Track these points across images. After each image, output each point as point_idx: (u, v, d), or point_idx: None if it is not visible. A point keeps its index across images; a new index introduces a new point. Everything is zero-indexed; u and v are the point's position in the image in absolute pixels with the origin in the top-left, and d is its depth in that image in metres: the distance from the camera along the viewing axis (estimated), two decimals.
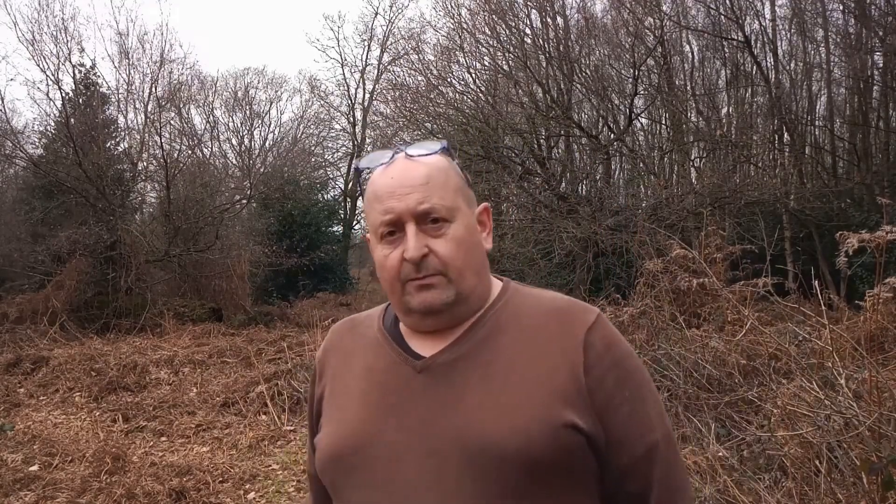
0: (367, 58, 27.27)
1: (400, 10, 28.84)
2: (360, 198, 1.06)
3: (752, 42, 11.60)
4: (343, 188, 26.38)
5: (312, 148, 26.10)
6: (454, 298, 0.96)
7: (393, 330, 1.05)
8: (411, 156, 1.00)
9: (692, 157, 12.76)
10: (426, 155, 1.00)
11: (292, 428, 5.90)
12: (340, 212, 24.24)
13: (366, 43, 27.22)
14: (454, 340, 0.98)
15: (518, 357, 0.95)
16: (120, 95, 14.61)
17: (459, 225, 0.98)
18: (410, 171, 0.98)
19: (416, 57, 14.60)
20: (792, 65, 13.10)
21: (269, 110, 26.37)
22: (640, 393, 0.96)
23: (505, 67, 13.06)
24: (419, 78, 14.09)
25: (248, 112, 25.36)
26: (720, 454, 3.18)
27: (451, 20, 13.82)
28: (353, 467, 0.96)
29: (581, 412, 0.91)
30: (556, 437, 0.88)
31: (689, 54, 13.75)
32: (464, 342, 0.98)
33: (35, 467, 4.71)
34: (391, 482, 0.92)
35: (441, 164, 1.01)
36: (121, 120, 15.12)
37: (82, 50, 18.72)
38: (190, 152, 16.33)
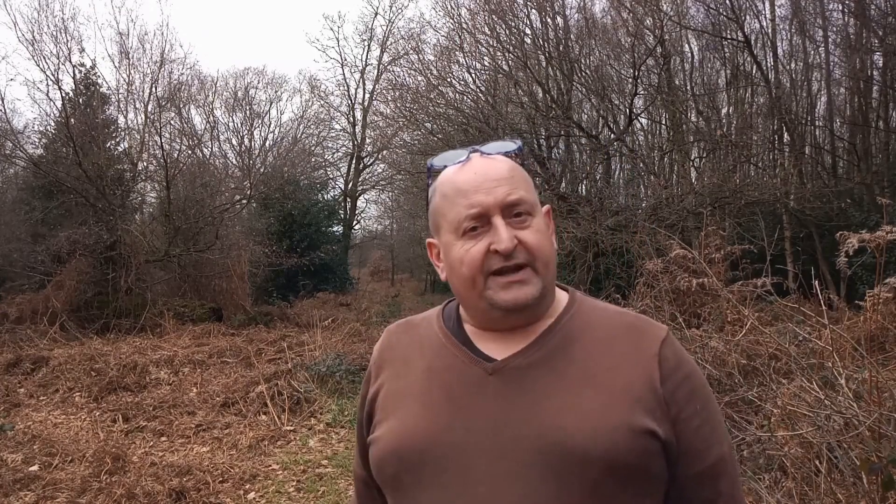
0: (367, 58, 27.36)
1: (400, 10, 28.88)
2: (429, 200, 1.06)
3: (752, 42, 11.58)
4: (343, 188, 26.41)
5: (312, 148, 26.13)
6: (541, 292, 0.97)
7: (457, 331, 1.04)
8: (488, 154, 1.02)
9: (692, 157, 12.74)
10: (502, 154, 1.03)
11: (292, 428, 5.90)
12: (340, 212, 24.26)
13: (366, 43, 27.31)
14: (528, 345, 0.98)
15: (593, 367, 0.96)
16: (120, 95, 14.67)
17: (539, 219, 0.99)
18: (493, 165, 1.00)
19: (416, 57, 14.59)
20: (792, 65, 13.09)
21: (269, 110, 26.42)
22: (708, 407, 0.98)
23: (505, 67, 13.04)
24: (419, 78, 14.09)
25: (248, 112, 25.39)
26: None
27: (451, 20, 13.81)
28: (418, 466, 0.95)
29: (658, 421, 0.93)
30: (638, 442, 0.90)
31: (689, 54, 13.74)
32: (537, 348, 0.98)
33: (35, 467, 4.71)
34: (463, 483, 0.92)
35: (515, 162, 1.03)
36: (121, 120, 15.18)
37: (82, 50, 18.81)
38: (190, 152, 16.35)
